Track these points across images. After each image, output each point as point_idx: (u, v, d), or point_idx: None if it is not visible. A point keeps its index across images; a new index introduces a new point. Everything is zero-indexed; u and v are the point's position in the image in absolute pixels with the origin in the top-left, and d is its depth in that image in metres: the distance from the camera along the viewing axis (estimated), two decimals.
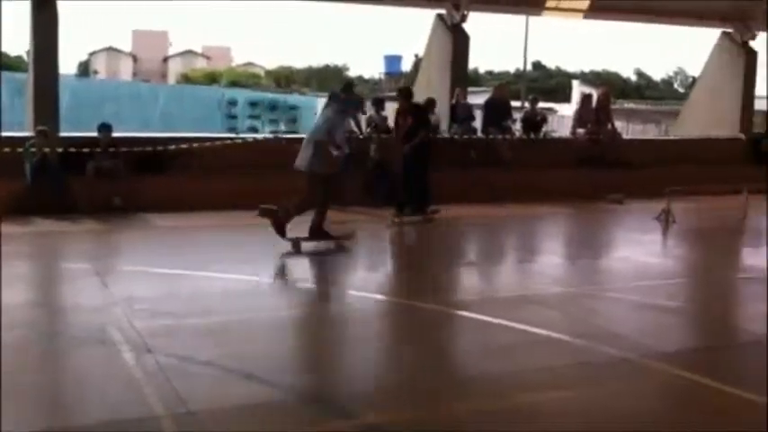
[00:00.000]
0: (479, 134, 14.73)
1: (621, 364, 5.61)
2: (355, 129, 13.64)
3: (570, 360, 5.66)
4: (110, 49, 72.69)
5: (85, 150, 11.47)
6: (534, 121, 15.48)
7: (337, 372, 5.40)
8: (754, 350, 6.32)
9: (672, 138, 19.72)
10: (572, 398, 5.03)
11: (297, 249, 9.05)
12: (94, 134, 11.79)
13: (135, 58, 74.53)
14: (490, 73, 56.91)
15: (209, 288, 7.43)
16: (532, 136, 15.30)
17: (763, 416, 4.78)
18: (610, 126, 15.76)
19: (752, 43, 17.79)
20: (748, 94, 17.83)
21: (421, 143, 11.36)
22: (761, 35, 17.84)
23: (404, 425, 4.56)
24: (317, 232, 9.33)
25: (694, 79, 23.18)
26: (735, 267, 9.56)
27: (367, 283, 8.21)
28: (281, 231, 9.11)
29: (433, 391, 5.18)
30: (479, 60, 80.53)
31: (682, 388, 5.33)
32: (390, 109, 20.99)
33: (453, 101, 14.92)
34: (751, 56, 17.76)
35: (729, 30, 17.89)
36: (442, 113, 14.67)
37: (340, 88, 14.74)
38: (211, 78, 48.00)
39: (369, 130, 13.80)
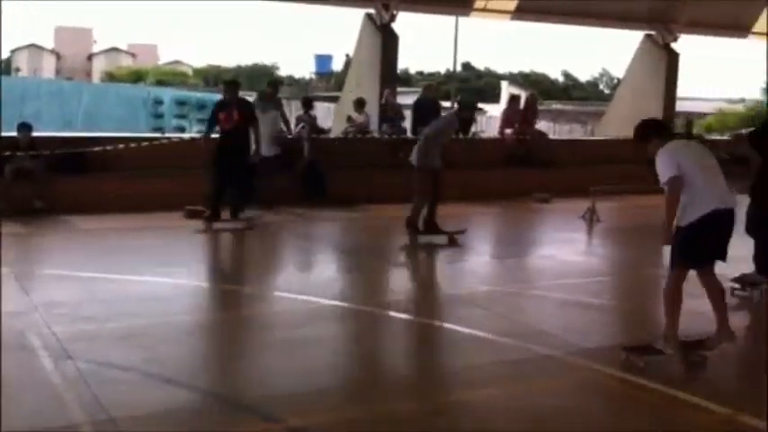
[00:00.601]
0: (409, 134, 14.77)
1: (546, 361, 5.68)
2: (284, 128, 13.55)
3: (496, 358, 5.72)
4: (32, 47, 70.82)
5: (6, 152, 11.09)
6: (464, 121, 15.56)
7: (261, 375, 5.33)
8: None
9: (597, 138, 20.12)
10: (498, 395, 5.08)
11: (414, 243, 9.74)
12: (14, 134, 11.42)
13: (58, 56, 72.79)
14: (421, 73, 57.29)
15: (130, 292, 7.27)
16: (461, 136, 15.40)
17: (685, 410, 4.90)
18: (536, 127, 16.01)
19: (673, 45, 18.27)
20: (670, 95, 18.32)
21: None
22: (682, 37, 18.35)
23: (328, 427, 4.53)
24: (429, 226, 9.94)
25: (619, 80, 23.68)
26: (657, 264, 9.76)
27: (293, 284, 8.13)
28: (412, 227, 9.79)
29: (360, 392, 5.17)
30: (410, 61, 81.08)
31: (605, 384, 5.42)
32: (321, 109, 20.97)
33: (383, 101, 14.94)
34: (672, 57, 18.25)
35: (652, 32, 18.34)
36: (370, 113, 14.69)
37: (267, 87, 14.65)
38: (137, 77, 47.12)
39: (298, 129, 13.72)
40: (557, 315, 7.07)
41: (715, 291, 5.67)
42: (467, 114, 10.84)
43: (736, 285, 7.44)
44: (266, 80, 20.91)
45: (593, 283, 8.29)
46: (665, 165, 5.48)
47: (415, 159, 9.89)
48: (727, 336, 5.64)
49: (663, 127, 5.90)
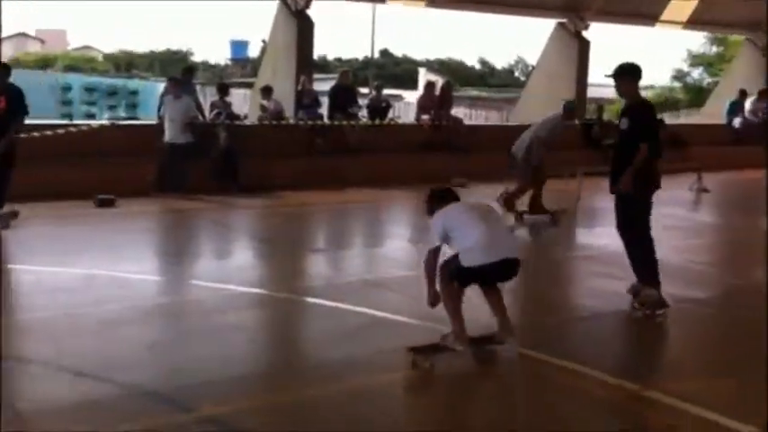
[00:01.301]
0: (326, 120, 14.73)
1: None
2: (198, 115, 13.33)
3: (412, 341, 5.75)
4: None
5: None
6: (379, 108, 15.65)
7: (176, 365, 5.26)
8: (584, 324, 6.68)
9: (511, 124, 20.41)
10: (416, 377, 5.13)
11: (520, 222, 10.67)
12: None
13: None
14: (339, 60, 57.01)
15: (34, 283, 7.06)
16: (378, 122, 15.47)
17: (593, 385, 5.05)
18: (452, 113, 16.18)
19: (584, 33, 18.66)
20: (581, 81, 18.72)
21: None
22: (593, 25, 18.76)
23: (244, 415, 4.50)
24: (534, 208, 11.02)
25: (533, 68, 24.09)
26: (570, 246, 10.02)
27: (208, 271, 8.03)
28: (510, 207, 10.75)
29: (275, 379, 5.16)
30: (328, 47, 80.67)
31: (512, 363, 5.52)
32: (237, 95, 20.68)
33: (299, 87, 14.84)
34: (584, 45, 18.65)
35: (564, 20, 18.70)
36: (286, 100, 14.59)
37: (181, 73, 14.41)
38: (45, 63, 45.57)
39: (213, 116, 13.53)
40: (468, 297, 7.14)
41: (492, 295, 5.67)
42: (570, 117, 11.78)
43: (636, 305, 6.86)
44: (180, 66, 20.53)
45: None
46: (434, 229, 5.54)
47: (520, 155, 10.94)
48: (508, 332, 5.59)
49: (447, 195, 5.76)
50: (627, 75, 6.78)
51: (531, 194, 11.10)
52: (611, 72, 6.81)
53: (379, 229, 10.84)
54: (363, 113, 15.48)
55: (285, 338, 6.10)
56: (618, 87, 6.93)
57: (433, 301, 5.52)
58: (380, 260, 8.85)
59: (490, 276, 5.49)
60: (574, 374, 5.23)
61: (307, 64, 15.54)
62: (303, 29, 15.37)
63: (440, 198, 5.73)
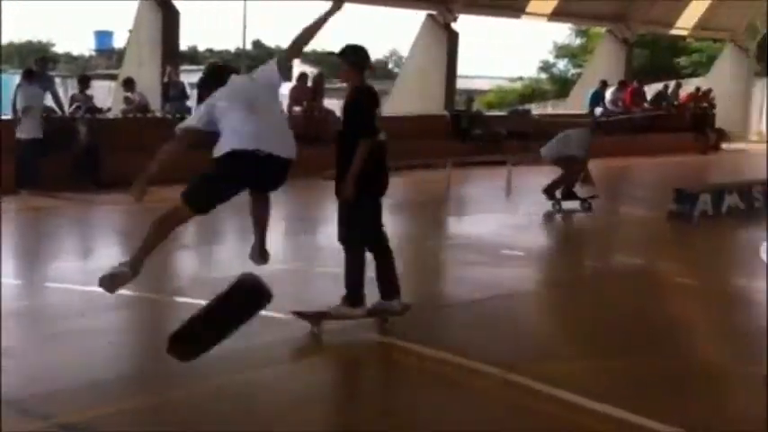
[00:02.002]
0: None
1: (331, 336, 5.72)
2: (56, 108, 12.73)
3: (283, 336, 5.69)
4: None
5: None
6: None
7: (33, 372, 4.97)
8: (454, 312, 6.77)
9: (384, 115, 20.53)
10: (285, 372, 5.07)
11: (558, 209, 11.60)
12: None
13: None
14: (210, 51, 55.86)
15: None
16: None
17: (460, 372, 5.10)
18: (325, 105, 16.11)
19: (453, 25, 18.93)
20: (451, 73, 19.00)
21: None
22: (462, 17, 19.04)
23: (103, 420, 4.31)
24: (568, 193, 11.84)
25: (406, 59, 24.30)
26: (440, 236, 10.14)
27: (66, 273, 7.66)
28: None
29: (138, 382, 4.96)
30: (199, 38, 78.90)
31: (385, 352, 5.53)
32: (101, 88, 19.90)
33: (165, 79, 14.41)
34: (453, 37, 18.91)
35: (433, 12, 18.91)
36: (152, 92, 14.14)
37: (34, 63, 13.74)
38: None
39: (72, 109, 12.95)
40: (341, 290, 7.11)
41: (259, 208, 5.36)
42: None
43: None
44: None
45: None
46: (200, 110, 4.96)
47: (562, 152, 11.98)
48: (261, 255, 5.49)
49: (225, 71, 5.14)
50: (347, 56, 5.89)
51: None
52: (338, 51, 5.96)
53: (245, 222, 10.62)
54: None
55: (148, 340, 5.88)
56: (341, 71, 6.12)
57: (138, 196, 4.90)
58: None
59: (251, 173, 4.77)
60: (440, 362, 5.28)
61: (173, 55, 15.11)
62: (168, 19, 14.93)
63: (218, 76, 5.04)
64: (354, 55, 5.85)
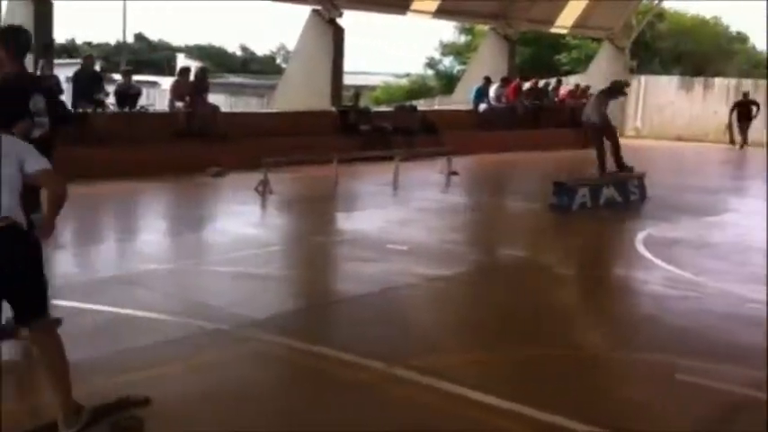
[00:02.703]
0: (69, 107, 13.77)
1: (214, 336, 5.57)
2: None
3: (160, 338, 5.48)
4: None
5: None
6: (129, 95, 14.91)
7: None
8: (340, 308, 6.72)
9: (270, 111, 20.31)
10: (161, 376, 4.86)
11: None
12: None
13: None
14: (89, 44, 53.99)
15: None
16: (127, 109, 14.74)
17: (346, 368, 5.05)
18: (208, 100, 15.77)
19: (339, 21, 18.86)
20: (337, 68, 18.93)
21: None
22: (347, 13, 18.98)
23: None
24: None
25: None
26: (328, 232, 10.07)
27: None
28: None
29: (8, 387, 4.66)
30: (77, 30, 76.15)
31: (276, 354, 5.42)
32: None
33: (38, 72, 13.74)
34: (338, 33, 18.84)
35: (318, 7, 18.78)
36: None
37: None
38: None
39: None
40: (227, 289, 6.98)
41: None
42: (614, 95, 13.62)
43: None
44: None
45: (265, 253, 8.30)
46: None
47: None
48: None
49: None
50: (4, 40, 5.20)
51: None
52: None
53: (129, 222, 10.30)
54: (111, 101, 14.69)
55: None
56: None
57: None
58: (130, 255, 8.39)
59: None
60: (327, 359, 5.22)
61: (46, 48, 14.42)
62: (41, 11, 14.26)
63: None
64: (12, 39, 5.25)
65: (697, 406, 4.76)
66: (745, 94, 24.05)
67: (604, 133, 13.04)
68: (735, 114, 23.39)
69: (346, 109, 18.04)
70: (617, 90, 13.54)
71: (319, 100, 18.35)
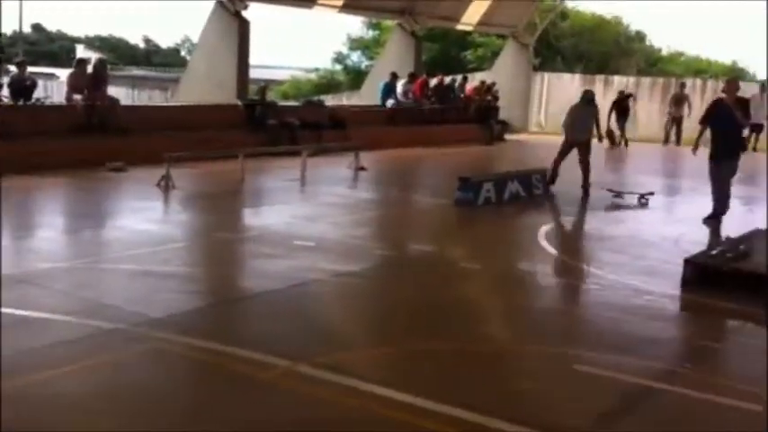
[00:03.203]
0: None
1: (111, 335, 5.39)
2: None
3: (53, 339, 5.28)
4: None
5: None
6: (23, 87, 14.32)
7: None
8: (245, 306, 6.60)
9: (174, 104, 19.86)
10: (60, 376, 4.68)
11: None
12: None
13: None
14: None
15: None
16: (22, 102, 14.17)
17: (251, 367, 4.95)
18: (108, 93, 15.31)
19: (244, 13, 18.57)
20: (243, 62, 18.65)
21: None
22: (253, 5, 18.71)
23: None
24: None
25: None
26: (233, 228, 9.89)
27: None
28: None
29: None
30: None
31: (175, 352, 5.28)
32: None
33: None
34: (243, 25, 18.55)
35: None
36: None
37: None
38: None
39: None
40: (125, 287, 6.77)
41: None
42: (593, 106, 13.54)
43: None
44: None
45: (166, 250, 8.08)
46: None
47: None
48: None
49: None
50: None
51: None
52: None
53: (23, 219, 9.88)
54: (5, 93, 14.09)
55: None
56: None
57: None
58: (25, 253, 8.03)
59: None
60: (231, 358, 5.12)
61: None
62: None
63: None
64: None
65: (595, 396, 4.86)
66: (622, 92, 24.46)
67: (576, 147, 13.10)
68: (614, 114, 23.01)
69: (252, 103, 17.78)
70: (588, 100, 13.46)
71: (224, 93, 18.05)
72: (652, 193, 12.61)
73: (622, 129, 23.37)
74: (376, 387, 4.69)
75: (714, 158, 10.71)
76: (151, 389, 4.67)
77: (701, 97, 23.93)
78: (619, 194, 12.54)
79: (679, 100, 23.86)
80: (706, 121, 10.95)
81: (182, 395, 4.68)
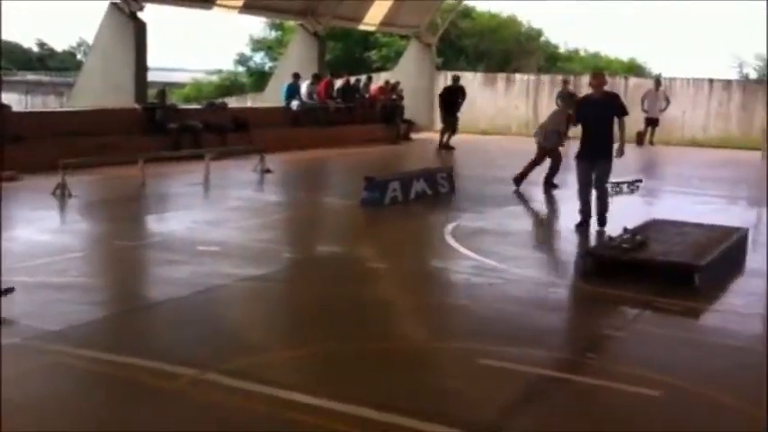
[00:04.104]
0: None
1: (9, 350, 5.14)
2: None
3: None
4: None
5: None
6: None
7: None
8: (147, 315, 6.42)
9: (69, 109, 19.21)
10: None
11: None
12: None
13: None
14: None
15: None
16: None
17: (153, 378, 4.81)
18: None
19: (140, 14, 18.13)
20: (141, 64, 18.20)
21: None
22: (148, 6, 18.27)
23: None
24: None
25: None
26: (133, 235, 9.62)
27: None
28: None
29: None
30: None
31: (74, 366, 5.09)
32: None
33: None
34: (140, 26, 18.11)
35: (117, 0, 17.98)
36: None
37: None
38: None
39: None
40: (20, 300, 6.44)
41: None
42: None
43: None
44: None
45: (63, 261, 7.79)
46: None
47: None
48: None
49: None
50: None
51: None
52: None
53: None
54: None
55: None
56: None
57: None
58: None
59: None
60: (133, 368, 4.97)
61: None
62: None
63: None
64: None
65: (501, 389, 4.91)
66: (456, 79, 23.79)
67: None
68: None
69: (152, 107, 17.36)
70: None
71: (122, 97, 17.57)
72: (640, 180, 13.79)
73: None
74: (286, 392, 4.63)
75: (578, 157, 9.92)
76: (50, 403, 4.49)
77: None
78: (617, 185, 13.01)
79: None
80: (573, 117, 10.54)
81: (84, 409, 4.50)
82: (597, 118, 9.71)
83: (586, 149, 9.73)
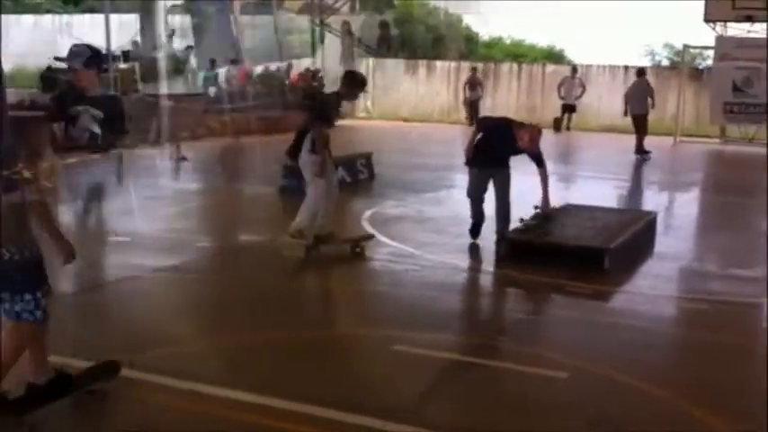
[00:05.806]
0: None
1: None
2: None
3: None
4: None
5: None
6: None
7: None
8: (54, 309, 6.19)
9: None
10: None
11: None
12: None
13: None
14: None
15: None
16: None
17: None
18: None
19: None
20: None
21: None
22: None
23: None
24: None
25: None
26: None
27: None
28: None
29: None
30: None
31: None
32: None
33: None
34: None
35: None
36: None
37: None
38: None
39: None
40: None
41: None
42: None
43: None
44: None
45: None
46: None
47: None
48: None
49: None
50: None
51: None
52: None
53: None
54: None
55: None
56: None
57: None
58: None
59: None
60: None
61: None
62: None
63: None
64: None
65: (417, 375, 4.92)
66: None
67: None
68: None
69: (62, 97, 16.80)
70: None
71: None
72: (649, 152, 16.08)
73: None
74: (200, 385, 4.57)
75: (468, 163, 8.56)
76: None
77: (517, 81, 24.94)
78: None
79: (473, 84, 24.34)
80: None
81: None
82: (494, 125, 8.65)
83: (478, 154, 8.44)
